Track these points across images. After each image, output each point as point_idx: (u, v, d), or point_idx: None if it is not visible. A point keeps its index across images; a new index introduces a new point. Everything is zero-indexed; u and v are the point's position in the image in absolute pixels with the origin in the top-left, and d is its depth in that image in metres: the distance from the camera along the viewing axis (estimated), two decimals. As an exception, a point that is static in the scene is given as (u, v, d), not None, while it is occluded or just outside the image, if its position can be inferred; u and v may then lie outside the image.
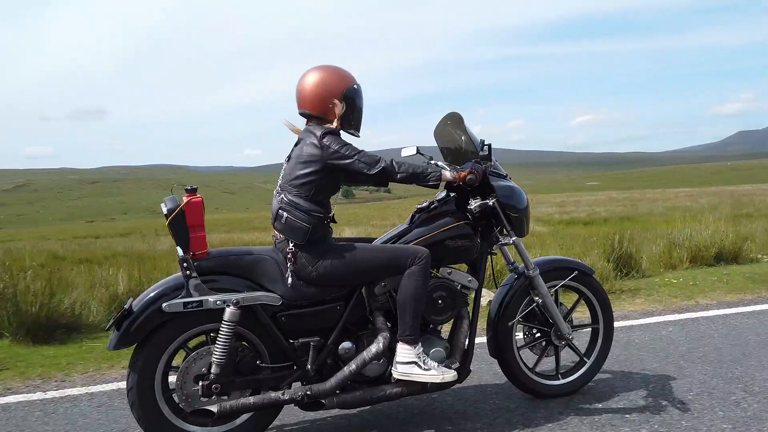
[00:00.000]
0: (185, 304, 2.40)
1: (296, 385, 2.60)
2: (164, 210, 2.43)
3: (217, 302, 2.42)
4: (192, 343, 2.57)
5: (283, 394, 2.49)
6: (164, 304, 2.38)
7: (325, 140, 2.53)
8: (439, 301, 2.71)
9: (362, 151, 2.55)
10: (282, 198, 2.58)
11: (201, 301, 2.42)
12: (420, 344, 2.60)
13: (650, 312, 5.00)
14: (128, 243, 17.97)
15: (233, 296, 2.44)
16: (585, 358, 3.22)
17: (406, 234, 2.80)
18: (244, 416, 2.58)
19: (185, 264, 2.43)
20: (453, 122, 2.92)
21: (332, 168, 2.54)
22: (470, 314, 2.88)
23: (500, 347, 3.03)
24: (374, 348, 2.59)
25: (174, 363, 2.54)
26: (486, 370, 3.52)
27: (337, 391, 2.57)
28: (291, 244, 2.55)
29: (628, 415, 2.84)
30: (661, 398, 3.02)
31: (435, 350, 2.70)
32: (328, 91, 2.60)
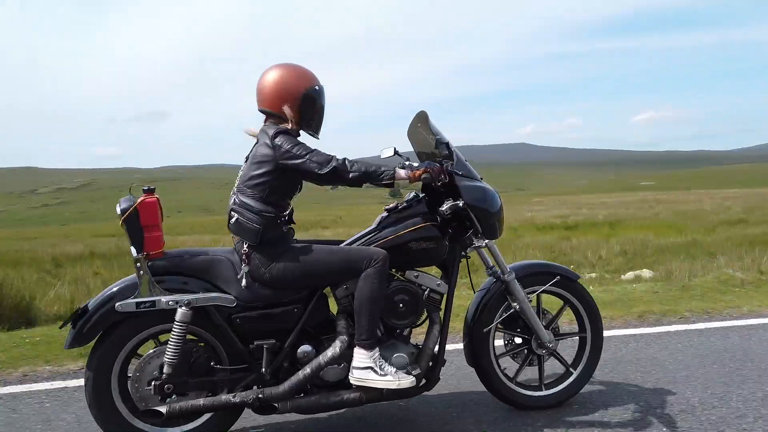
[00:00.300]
0: (138, 304, 2.40)
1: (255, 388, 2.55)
2: (118, 210, 2.43)
3: (170, 302, 2.41)
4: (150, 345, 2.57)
5: (234, 397, 2.45)
6: (117, 304, 2.38)
7: (276, 140, 2.47)
8: (401, 305, 2.61)
9: (314, 150, 2.47)
10: (234, 199, 2.55)
11: (154, 301, 2.41)
12: (377, 349, 2.51)
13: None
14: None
15: (185, 297, 2.42)
16: (571, 369, 3.04)
17: (370, 235, 2.71)
18: (204, 417, 2.56)
19: (138, 264, 2.43)
20: (421, 122, 2.81)
21: (284, 168, 2.48)
22: (441, 319, 2.77)
23: (476, 354, 2.90)
24: (330, 352, 2.52)
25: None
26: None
27: (296, 396, 2.52)
28: (245, 245, 2.51)
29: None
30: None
31: (397, 355, 2.60)
32: (287, 90, 2.53)
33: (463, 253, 2.85)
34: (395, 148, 2.84)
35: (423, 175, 2.51)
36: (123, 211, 2.41)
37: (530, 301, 2.91)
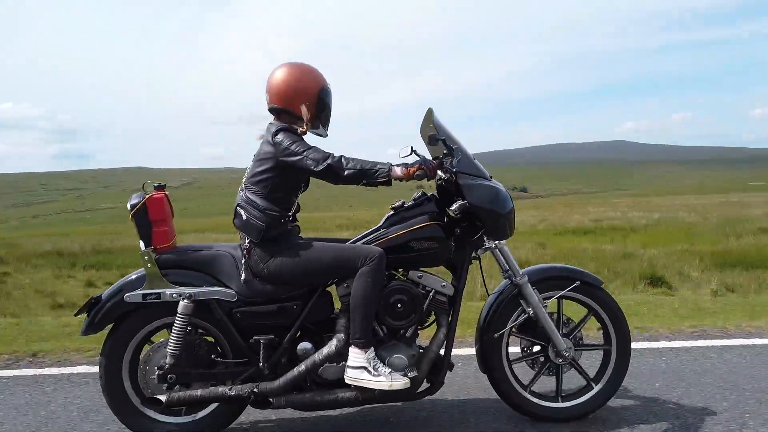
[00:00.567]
0: (144, 295, 2.52)
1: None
2: (128, 206, 2.56)
3: (173, 295, 2.50)
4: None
5: (230, 390, 2.51)
6: (126, 295, 2.51)
7: (277, 137, 2.50)
8: (398, 305, 2.55)
9: (312, 147, 2.48)
10: (241, 195, 2.60)
11: (159, 293, 2.52)
12: (372, 349, 2.47)
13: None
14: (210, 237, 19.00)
15: (188, 290, 2.51)
16: (593, 383, 2.84)
17: (374, 234, 2.68)
18: (208, 409, 2.65)
19: (146, 257, 2.54)
20: (427, 120, 2.73)
21: (284, 165, 2.50)
22: (450, 322, 2.68)
23: (487, 360, 2.78)
24: (326, 350, 2.52)
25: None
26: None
27: (292, 392, 2.54)
28: (247, 241, 2.56)
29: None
30: None
31: (396, 357, 2.55)
32: (304, 89, 2.56)
33: (474, 254, 2.75)
34: (412, 147, 2.78)
35: (417, 173, 2.44)
36: (132, 207, 2.54)
37: (546, 306, 2.75)
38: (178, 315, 2.49)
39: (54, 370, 3.73)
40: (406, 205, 2.71)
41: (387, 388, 2.41)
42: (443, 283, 2.66)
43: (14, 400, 3.22)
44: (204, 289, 2.53)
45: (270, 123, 2.62)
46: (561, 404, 2.82)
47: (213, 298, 2.53)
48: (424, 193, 2.76)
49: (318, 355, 2.52)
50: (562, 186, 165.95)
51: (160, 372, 2.52)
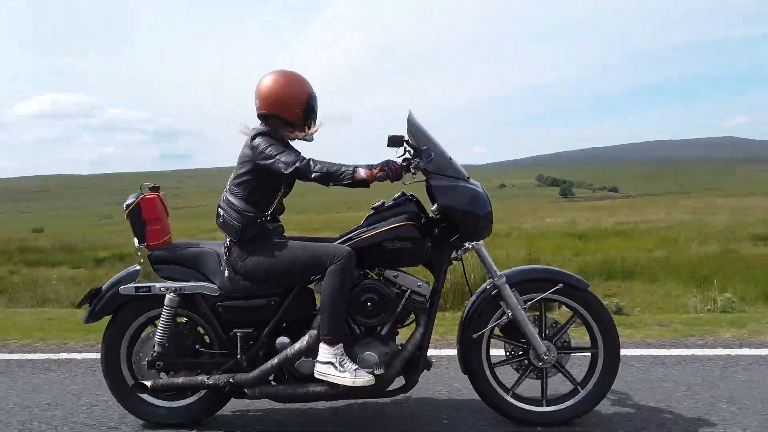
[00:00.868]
0: (137, 288, 2.72)
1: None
2: (124, 205, 2.77)
3: (161, 289, 2.69)
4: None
5: (208, 379, 2.66)
6: (120, 288, 2.73)
7: (255, 141, 2.61)
8: (368, 304, 2.59)
9: (285, 151, 2.56)
10: (223, 197, 2.74)
11: (150, 286, 2.71)
12: (341, 345, 2.53)
13: None
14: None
15: (174, 284, 2.69)
16: (579, 387, 2.75)
17: (352, 233, 2.73)
18: (196, 396, 2.82)
19: (140, 253, 2.75)
20: (409, 121, 2.74)
21: (261, 168, 2.61)
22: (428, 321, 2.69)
23: (467, 360, 2.77)
24: (298, 345, 2.61)
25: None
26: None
27: (266, 384, 2.65)
28: (228, 239, 2.70)
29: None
30: None
31: (368, 353, 2.60)
32: (294, 96, 2.66)
33: (454, 254, 2.74)
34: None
35: (378, 174, 2.46)
36: (127, 206, 2.76)
37: (525, 309, 2.70)
38: (164, 307, 2.67)
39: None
40: (386, 205, 2.75)
41: (350, 384, 2.47)
42: (419, 283, 2.67)
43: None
44: (189, 283, 2.70)
45: (253, 128, 2.75)
46: (545, 408, 2.75)
47: (197, 292, 2.69)
48: (403, 194, 2.78)
49: (290, 350, 2.62)
50: (655, 186, 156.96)
51: (149, 359, 2.71)
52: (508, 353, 2.82)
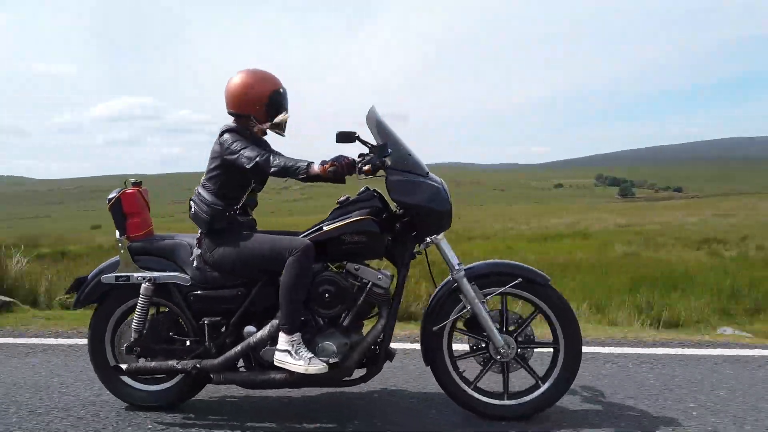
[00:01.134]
0: (117, 278, 2.90)
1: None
2: (106, 199, 2.96)
3: (138, 278, 2.86)
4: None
5: (177, 364, 2.80)
6: (102, 277, 2.92)
7: (222, 137, 2.74)
8: (326, 295, 2.67)
9: (249, 146, 2.67)
10: (195, 190, 2.89)
11: (128, 276, 2.89)
12: (298, 334, 2.62)
13: None
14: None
15: (150, 274, 2.85)
16: (540, 382, 2.74)
17: (316, 227, 2.81)
18: (173, 380, 2.97)
19: (120, 244, 2.93)
20: (369, 117, 2.79)
21: (228, 164, 2.73)
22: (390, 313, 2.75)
23: (428, 352, 2.80)
24: (259, 334, 2.72)
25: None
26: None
27: (231, 370, 2.77)
28: (199, 231, 2.84)
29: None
30: None
31: (327, 343, 2.67)
32: (254, 94, 2.78)
33: (417, 248, 2.78)
34: (357, 136, 2.75)
35: (329, 169, 2.52)
36: (109, 200, 2.94)
37: (485, 302, 2.70)
38: (140, 296, 2.84)
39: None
40: (350, 200, 2.82)
41: (303, 372, 2.56)
42: (380, 276, 2.72)
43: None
44: (163, 273, 2.85)
45: (224, 125, 2.88)
46: (506, 402, 2.75)
47: (171, 282, 2.84)
48: (367, 188, 2.84)
49: (253, 338, 2.73)
50: (725, 186, 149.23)
51: (127, 345, 2.89)
52: (471, 347, 2.84)
